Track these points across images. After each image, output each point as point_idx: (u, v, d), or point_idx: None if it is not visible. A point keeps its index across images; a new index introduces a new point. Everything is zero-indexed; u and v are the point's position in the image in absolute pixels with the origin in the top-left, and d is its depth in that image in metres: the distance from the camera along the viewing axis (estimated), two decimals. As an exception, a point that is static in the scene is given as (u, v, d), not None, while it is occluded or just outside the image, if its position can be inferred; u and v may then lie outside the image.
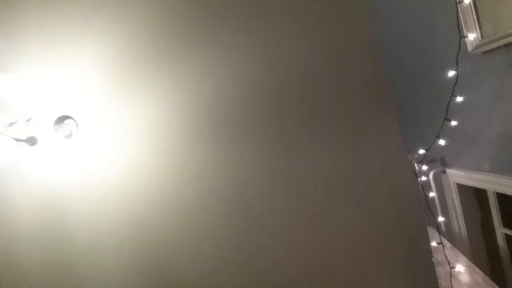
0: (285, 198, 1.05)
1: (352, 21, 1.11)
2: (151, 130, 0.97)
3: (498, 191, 2.18)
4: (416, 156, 2.35)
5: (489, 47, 1.87)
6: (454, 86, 2.05)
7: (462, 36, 1.96)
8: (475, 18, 1.91)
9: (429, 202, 2.25)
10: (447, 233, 2.72)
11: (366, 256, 1.10)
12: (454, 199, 2.66)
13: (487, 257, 2.54)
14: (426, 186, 2.59)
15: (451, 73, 2.06)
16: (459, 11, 1.95)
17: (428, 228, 2.01)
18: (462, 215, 2.61)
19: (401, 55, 2.80)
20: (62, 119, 0.85)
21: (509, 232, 2.23)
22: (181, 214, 0.98)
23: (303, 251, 1.06)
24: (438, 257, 1.97)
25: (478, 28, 1.91)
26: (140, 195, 0.95)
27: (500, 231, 2.30)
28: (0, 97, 0.85)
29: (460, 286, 1.93)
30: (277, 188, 1.04)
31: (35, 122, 0.82)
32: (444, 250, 1.91)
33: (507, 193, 2.07)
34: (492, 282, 1.93)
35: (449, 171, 2.64)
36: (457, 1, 1.92)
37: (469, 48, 2.00)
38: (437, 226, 2.12)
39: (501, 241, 2.31)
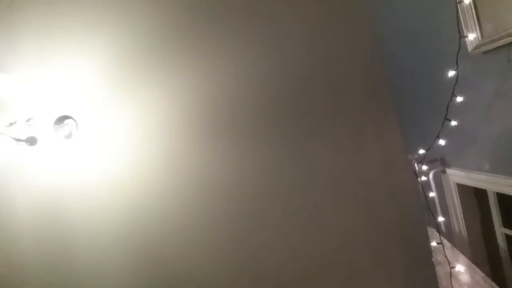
0: (285, 198, 1.05)
1: (352, 20, 1.11)
2: (151, 130, 0.97)
3: (498, 191, 2.18)
4: (416, 156, 2.35)
5: (489, 47, 1.87)
6: (454, 86, 2.05)
7: (462, 36, 1.96)
8: (475, 18, 1.92)
9: (429, 202, 2.25)
10: (447, 233, 2.72)
11: (366, 255, 1.10)
12: (454, 199, 2.66)
13: (487, 257, 2.54)
14: (426, 186, 2.59)
15: (451, 73, 2.06)
16: (459, 11, 1.95)
17: (428, 228, 2.01)
18: (462, 215, 2.61)
19: (401, 55, 2.80)
20: (62, 119, 0.85)
21: (509, 232, 2.23)
22: (181, 213, 0.98)
23: (303, 251, 1.06)
24: (438, 257, 1.98)
25: (478, 28, 1.91)
26: (140, 195, 0.95)
27: (500, 231, 2.30)
28: (0, 97, 0.85)
29: (460, 286, 1.93)
30: (277, 188, 1.04)
31: (35, 122, 0.82)
32: (444, 250, 1.92)
33: (507, 193, 2.07)
34: (492, 282, 1.93)
35: (449, 171, 2.64)
36: (457, 1, 1.92)
37: (469, 48, 2.00)
38: (437, 226, 2.12)
39: (501, 241, 2.31)
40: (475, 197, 2.60)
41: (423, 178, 2.61)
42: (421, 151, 2.30)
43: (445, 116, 2.13)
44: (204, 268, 0.99)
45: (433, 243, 1.88)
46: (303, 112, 1.07)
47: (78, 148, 0.90)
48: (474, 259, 2.32)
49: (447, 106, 2.11)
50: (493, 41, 1.82)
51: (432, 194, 2.72)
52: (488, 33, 1.86)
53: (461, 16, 1.97)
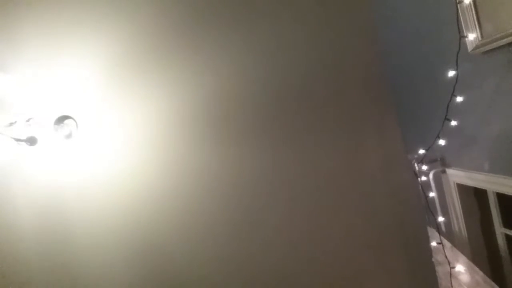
0: (285, 198, 1.05)
1: (352, 21, 1.11)
2: (151, 130, 0.97)
3: (498, 191, 2.18)
4: (416, 156, 2.35)
5: (489, 47, 1.87)
6: (454, 86, 2.05)
7: (462, 36, 1.96)
8: (475, 18, 1.92)
9: (429, 202, 2.25)
10: (447, 233, 2.72)
11: (366, 256, 1.10)
12: (454, 199, 2.66)
13: (487, 257, 2.54)
14: (426, 186, 2.59)
15: (451, 73, 2.06)
16: (459, 11, 1.95)
17: (428, 228, 2.01)
18: (462, 215, 2.61)
19: (401, 55, 2.80)
20: (62, 119, 0.85)
21: (509, 232, 2.23)
22: (181, 214, 0.98)
23: (303, 251, 1.06)
24: (438, 257, 1.98)
25: (478, 28, 1.91)
26: (140, 195, 0.95)
27: (500, 231, 2.30)
28: (0, 97, 0.85)
29: (460, 286, 1.93)
30: (276, 188, 1.04)
31: (35, 122, 0.82)
32: (444, 250, 1.92)
33: (507, 193, 2.07)
34: (492, 282, 1.93)
35: (449, 171, 2.64)
36: (457, 1, 1.92)
37: (469, 48, 2.00)
38: (437, 226, 2.12)
39: (501, 241, 2.31)
40: (475, 197, 2.60)
41: (423, 178, 2.61)
42: (421, 151, 2.30)
43: (445, 116, 2.13)
44: (204, 267, 0.99)
45: (433, 243, 1.88)
46: (303, 112, 1.07)
47: (78, 148, 0.90)
48: (474, 259, 2.32)
49: (447, 106, 2.11)
50: (493, 41, 1.82)
51: (432, 194, 2.72)
52: (488, 33, 1.86)
53: (461, 16, 1.97)
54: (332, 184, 1.08)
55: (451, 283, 1.87)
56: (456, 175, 2.57)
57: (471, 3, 1.91)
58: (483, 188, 2.31)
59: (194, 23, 1.00)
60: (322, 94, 1.08)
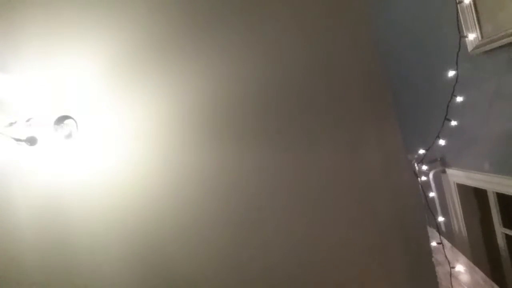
0: (284, 198, 1.05)
1: (352, 21, 1.11)
2: (151, 130, 0.97)
3: (498, 191, 2.18)
4: (416, 156, 2.36)
5: (489, 47, 1.87)
6: (454, 86, 2.05)
7: (462, 36, 1.96)
8: (475, 18, 1.92)
9: (429, 202, 2.25)
10: (447, 233, 2.72)
11: (366, 256, 1.10)
12: (454, 199, 2.66)
13: (487, 257, 2.54)
14: (426, 186, 2.59)
15: (451, 73, 2.06)
16: (459, 11, 1.95)
17: (428, 228, 2.01)
18: (462, 215, 2.61)
19: (401, 55, 2.80)
20: (62, 119, 0.85)
21: (509, 232, 2.23)
22: (181, 214, 0.98)
23: (302, 251, 1.06)
24: (438, 257, 1.97)
25: (478, 28, 1.92)
26: (140, 196, 0.95)
27: (500, 231, 2.30)
28: (0, 97, 0.85)
29: (460, 286, 1.93)
30: (276, 189, 1.04)
31: (35, 122, 0.82)
32: (444, 250, 1.92)
33: (507, 193, 2.07)
34: (492, 282, 1.93)
35: (449, 171, 2.64)
36: (457, 1, 1.92)
37: (469, 48, 2.00)
38: (437, 226, 2.12)
39: (501, 241, 2.31)
40: (475, 197, 2.60)
41: (423, 178, 2.61)
42: (421, 151, 2.30)
43: (445, 116, 2.13)
44: (204, 268, 0.99)
45: (433, 243, 1.88)
46: (303, 112, 1.07)
47: (78, 148, 0.90)
48: (474, 259, 2.32)
49: (447, 106, 2.11)
50: (493, 41, 1.82)
51: (432, 194, 2.72)
52: (488, 33, 1.86)
53: (461, 16, 1.97)
54: (332, 185, 1.08)
55: (451, 283, 1.87)
56: (456, 175, 2.57)
57: (471, 3, 1.91)
58: (483, 188, 2.31)
59: (194, 24, 1.00)
60: (322, 94, 1.08)
